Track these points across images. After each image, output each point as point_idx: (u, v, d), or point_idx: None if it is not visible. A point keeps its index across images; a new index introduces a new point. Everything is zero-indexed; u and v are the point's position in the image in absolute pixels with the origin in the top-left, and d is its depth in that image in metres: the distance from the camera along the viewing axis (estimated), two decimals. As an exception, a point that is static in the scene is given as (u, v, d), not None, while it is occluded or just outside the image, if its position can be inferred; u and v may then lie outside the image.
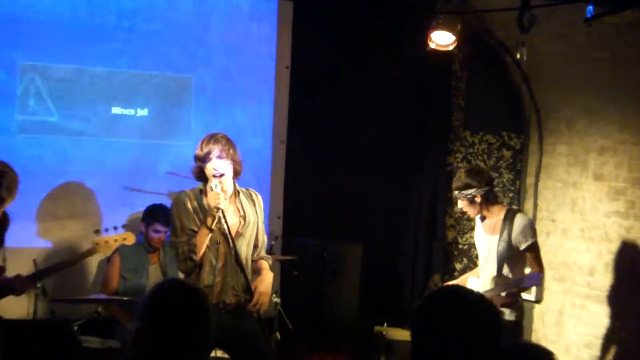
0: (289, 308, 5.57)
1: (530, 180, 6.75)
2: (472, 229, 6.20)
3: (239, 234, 4.06)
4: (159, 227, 5.24)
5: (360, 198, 6.57)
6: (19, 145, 5.47)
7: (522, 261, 4.58)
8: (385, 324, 5.71)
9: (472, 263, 6.65)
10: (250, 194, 4.21)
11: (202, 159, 3.94)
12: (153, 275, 5.21)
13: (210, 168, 3.95)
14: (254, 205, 4.18)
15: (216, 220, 3.89)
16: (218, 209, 3.85)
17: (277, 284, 5.83)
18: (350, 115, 6.50)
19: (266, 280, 4.08)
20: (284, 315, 5.47)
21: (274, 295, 5.30)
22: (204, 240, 3.92)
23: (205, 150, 3.92)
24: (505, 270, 4.47)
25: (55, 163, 5.57)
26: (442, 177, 6.71)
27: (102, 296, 4.98)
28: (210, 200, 3.88)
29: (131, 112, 5.73)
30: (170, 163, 5.76)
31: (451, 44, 5.51)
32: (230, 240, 3.94)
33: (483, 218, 4.66)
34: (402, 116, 6.68)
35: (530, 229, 4.49)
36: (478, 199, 4.49)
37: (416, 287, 6.68)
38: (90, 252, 4.68)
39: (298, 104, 6.20)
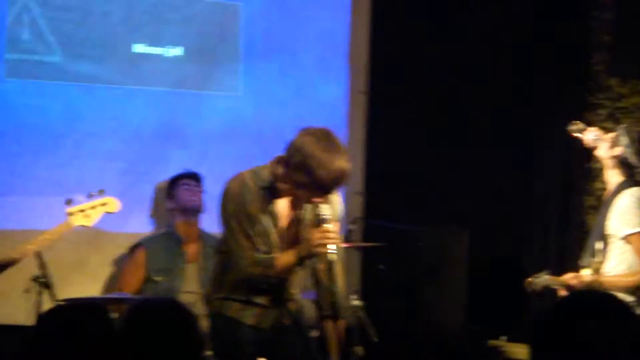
0: (373, 314, 5.13)
1: None
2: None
3: None
4: (189, 182, 4.98)
5: (466, 169, 6.12)
6: (8, 94, 5.12)
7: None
8: (503, 338, 5.24)
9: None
10: None
11: (326, 187, 3.41)
12: (190, 277, 4.88)
13: (318, 197, 3.48)
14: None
15: (314, 261, 3.55)
16: (329, 258, 3.42)
17: (357, 282, 5.58)
18: (453, 56, 6.03)
19: None
20: (368, 323, 5.02)
21: (354, 298, 5.00)
22: (281, 272, 3.55)
23: (335, 180, 3.42)
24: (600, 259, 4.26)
25: (58, 119, 5.18)
26: (578, 142, 6.44)
27: (127, 295, 4.57)
28: (316, 238, 3.42)
29: (160, 51, 5.39)
30: (212, 120, 5.39)
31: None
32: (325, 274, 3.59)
33: None
34: (521, 60, 6.21)
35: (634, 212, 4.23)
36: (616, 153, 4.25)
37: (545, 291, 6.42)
38: (64, 227, 4.23)
39: (382, 43, 5.81)
